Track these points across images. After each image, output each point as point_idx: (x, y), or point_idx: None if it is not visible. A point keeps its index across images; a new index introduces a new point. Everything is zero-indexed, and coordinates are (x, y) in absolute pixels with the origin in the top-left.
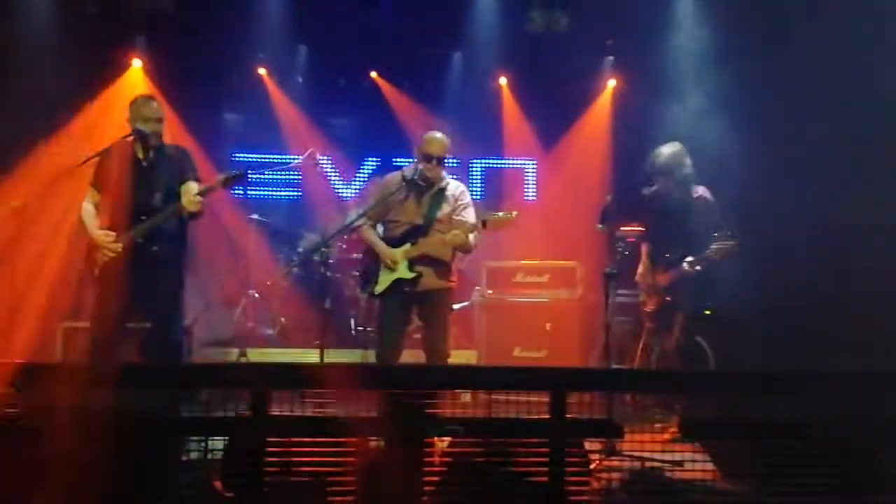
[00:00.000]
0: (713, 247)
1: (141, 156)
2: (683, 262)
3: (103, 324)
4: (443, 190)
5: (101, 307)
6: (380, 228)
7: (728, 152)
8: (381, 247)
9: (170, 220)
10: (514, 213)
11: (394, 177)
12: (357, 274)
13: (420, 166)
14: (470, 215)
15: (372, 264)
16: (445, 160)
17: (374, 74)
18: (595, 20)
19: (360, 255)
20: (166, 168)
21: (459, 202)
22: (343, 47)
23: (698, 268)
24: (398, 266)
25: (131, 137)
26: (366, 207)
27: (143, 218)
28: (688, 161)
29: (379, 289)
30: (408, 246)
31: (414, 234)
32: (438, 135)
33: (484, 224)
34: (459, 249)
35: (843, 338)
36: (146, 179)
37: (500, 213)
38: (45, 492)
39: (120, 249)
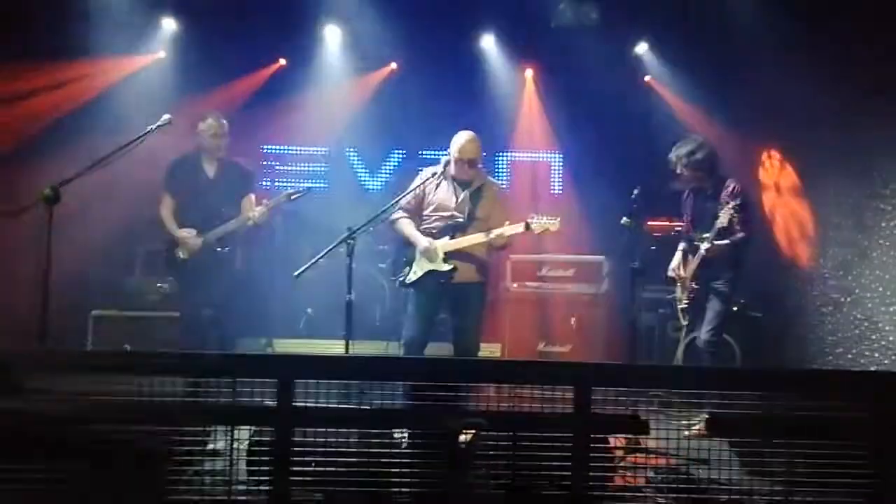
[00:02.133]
0: (720, 242)
1: (207, 168)
2: (701, 247)
3: (190, 308)
4: (481, 188)
5: (186, 294)
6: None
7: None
8: (417, 237)
9: (238, 228)
10: (557, 220)
11: (432, 171)
12: (384, 266)
13: (455, 167)
14: (504, 217)
15: (403, 253)
16: (478, 161)
17: (393, 66)
18: (625, 13)
19: (386, 247)
20: (230, 181)
21: (497, 202)
22: (370, 38)
23: (707, 248)
24: (434, 254)
25: (198, 150)
26: (404, 202)
27: (215, 223)
28: (706, 152)
29: (412, 278)
30: (446, 239)
31: (453, 229)
32: (470, 136)
33: (527, 226)
34: (497, 248)
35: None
36: (213, 190)
37: (545, 219)
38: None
39: (200, 245)
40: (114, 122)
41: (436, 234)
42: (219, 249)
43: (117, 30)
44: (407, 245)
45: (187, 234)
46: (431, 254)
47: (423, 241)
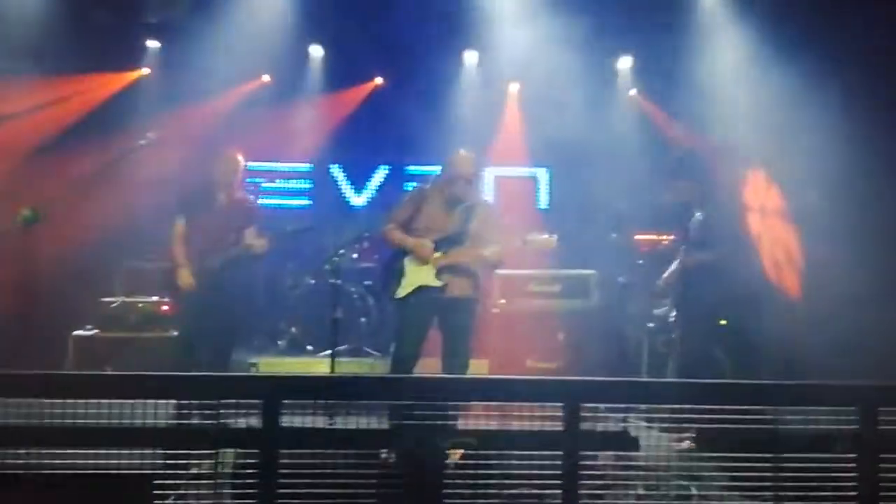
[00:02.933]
0: (702, 255)
1: (220, 198)
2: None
3: (188, 331)
4: (474, 206)
5: (185, 318)
6: None
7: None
8: (414, 241)
9: (240, 256)
10: (555, 237)
11: (424, 188)
12: (369, 284)
13: (451, 184)
14: (498, 235)
15: (394, 266)
16: (474, 178)
17: (379, 80)
18: (611, 28)
19: (372, 264)
20: (238, 213)
21: (490, 221)
22: (354, 54)
23: (686, 259)
24: (422, 272)
25: (212, 179)
26: (398, 216)
27: (219, 253)
28: (702, 166)
29: (402, 293)
30: (439, 254)
31: (446, 243)
32: (467, 153)
33: (525, 244)
34: (489, 265)
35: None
36: (222, 219)
37: (541, 237)
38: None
39: (193, 285)
40: (99, 139)
41: None
42: (226, 274)
43: (102, 47)
44: (401, 254)
45: (187, 276)
46: (428, 256)
47: (416, 242)
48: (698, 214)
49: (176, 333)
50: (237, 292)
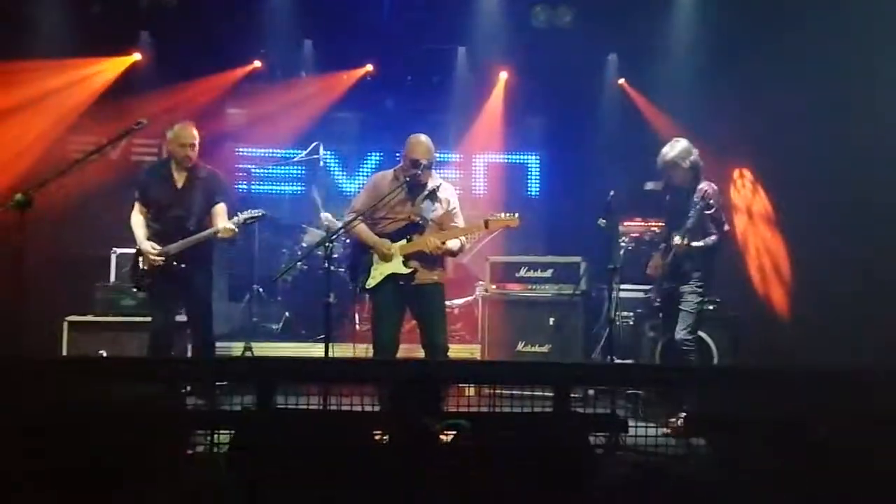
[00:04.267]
0: (695, 243)
1: (176, 178)
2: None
3: (157, 319)
4: (435, 191)
5: (153, 305)
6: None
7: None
8: (375, 239)
9: (198, 240)
10: (517, 215)
11: (385, 175)
12: (343, 270)
13: (408, 170)
14: (460, 220)
15: (360, 258)
16: (431, 163)
17: (370, 67)
18: (600, 15)
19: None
20: (199, 190)
21: (452, 206)
22: (346, 41)
23: (678, 245)
24: (392, 257)
25: (168, 158)
26: (359, 205)
27: (179, 237)
28: (694, 155)
29: (371, 283)
30: (403, 242)
31: (409, 231)
32: (422, 138)
33: (486, 224)
34: (449, 253)
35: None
36: (180, 201)
37: (503, 215)
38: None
39: (161, 261)
40: (91, 125)
41: (391, 237)
42: (175, 264)
43: (93, 33)
44: (364, 250)
45: (150, 248)
46: (389, 252)
47: (379, 241)
48: (698, 205)
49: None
50: (200, 280)
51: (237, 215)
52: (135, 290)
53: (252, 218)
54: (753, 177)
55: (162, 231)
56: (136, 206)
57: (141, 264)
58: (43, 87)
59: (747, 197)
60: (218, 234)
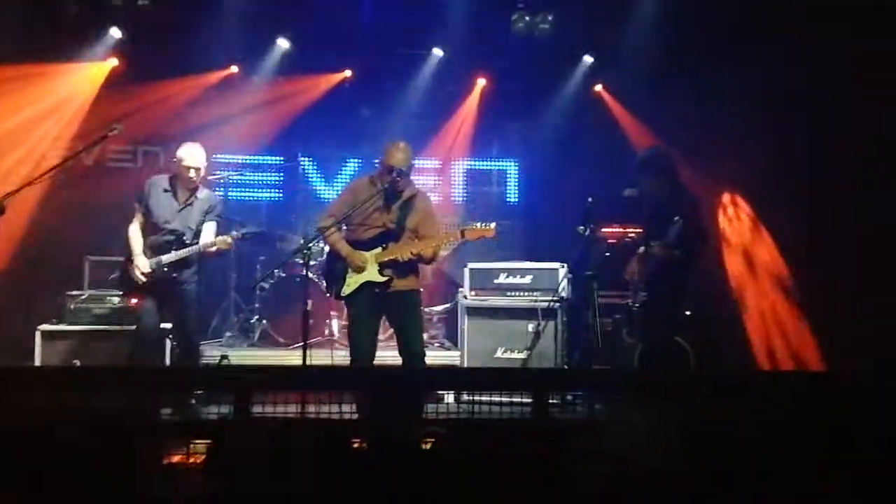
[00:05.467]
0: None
1: (179, 195)
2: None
3: (147, 325)
4: (411, 199)
5: (142, 312)
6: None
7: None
8: (349, 250)
9: (191, 254)
10: (493, 224)
11: (362, 181)
12: (317, 276)
13: (385, 177)
14: (436, 229)
15: (336, 265)
16: (408, 170)
17: (348, 73)
18: (578, 23)
19: (322, 259)
20: (197, 209)
21: (428, 214)
22: (324, 45)
23: (658, 254)
24: (366, 269)
25: (175, 175)
26: (335, 211)
27: (174, 249)
28: (670, 161)
29: (346, 290)
30: (378, 250)
31: (385, 239)
32: (401, 145)
33: (462, 234)
34: (425, 261)
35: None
36: (181, 217)
37: (479, 225)
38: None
39: (149, 278)
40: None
41: (366, 244)
42: (165, 270)
43: (68, 35)
44: (339, 257)
45: (143, 264)
46: (363, 264)
47: (352, 253)
48: (676, 219)
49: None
50: (189, 288)
51: (235, 230)
52: (122, 295)
53: (251, 233)
54: (752, 210)
55: (158, 244)
56: (137, 216)
57: (132, 274)
58: (19, 93)
59: (744, 235)
60: (214, 248)
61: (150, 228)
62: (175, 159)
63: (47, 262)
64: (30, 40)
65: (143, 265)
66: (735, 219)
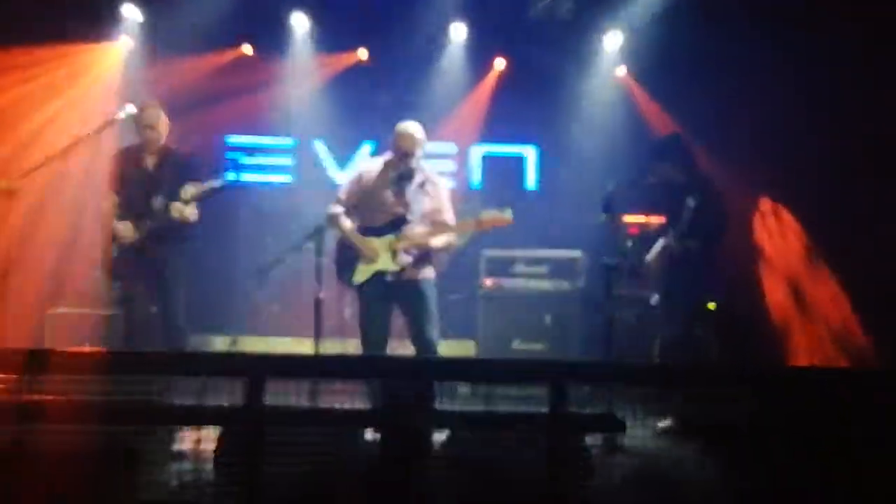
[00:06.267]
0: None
1: (148, 160)
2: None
3: (128, 307)
4: (424, 183)
5: (130, 296)
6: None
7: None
8: (359, 238)
9: (164, 222)
10: (509, 211)
11: (372, 165)
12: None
13: (398, 160)
14: (450, 214)
15: (347, 253)
16: (420, 153)
17: (364, 53)
18: (600, 6)
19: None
20: (169, 173)
21: (441, 199)
22: (338, 25)
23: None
24: (378, 257)
25: (139, 142)
26: (344, 196)
27: (145, 220)
28: (687, 147)
29: (358, 278)
30: (391, 237)
31: (398, 225)
32: (412, 128)
33: (479, 223)
34: (444, 250)
35: None
36: (149, 183)
37: (495, 212)
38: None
39: (133, 238)
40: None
41: (378, 231)
42: (148, 244)
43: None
44: (349, 245)
45: (122, 227)
46: (374, 254)
47: (363, 241)
48: (689, 201)
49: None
50: (171, 264)
51: (187, 191)
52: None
53: (206, 192)
54: (802, 230)
55: (132, 216)
56: (109, 201)
57: (115, 252)
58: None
59: (790, 260)
60: (175, 214)
61: (121, 202)
62: (135, 124)
63: (55, 245)
64: (41, 20)
65: (122, 228)
66: (778, 235)
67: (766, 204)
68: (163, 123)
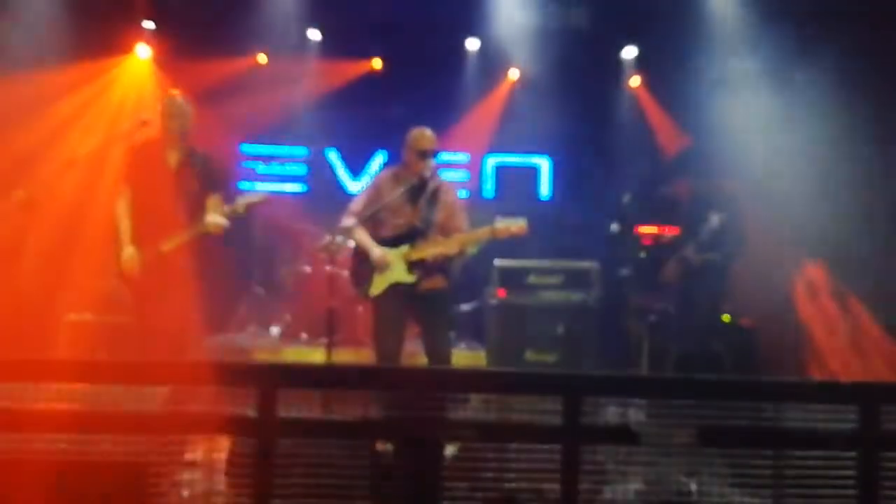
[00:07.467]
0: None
1: (170, 157)
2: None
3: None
4: (437, 192)
5: (138, 307)
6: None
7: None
8: (375, 250)
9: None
10: (524, 221)
11: (386, 176)
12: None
13: (416, 164)
14: (464, 223)
15: (362, 264)
16: (433, 160)
17: (378, 64)
18: (615, 16)
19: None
20: (194, 174)
21: (455, 208)
22: (353, 35)
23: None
24: (392, 269)
25: (162, 136)
26: (358, 207)
27: (168, 231)
28: (701, 158)
29: (374, 290)
30: (406, 248)
31: (412, 236)
32: (427, 130)
33: (492, 232)
34: (453, 259)
35: None
36: (172, 189)
37: (510, 221)
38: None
39: (134, 268)
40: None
41: (393, 242)
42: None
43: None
44: (364, 256)
45: (130, 257)
46: (388, 266)
47: (378, 253)
48: (714, 215)
49: None
50: (193, 279)
51: (235, 201)
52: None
53: (252, 203)
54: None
55: (151, 221)
56: (122, 199)
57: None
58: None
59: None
60: (204, 230)
61: (137, 207)
62: (159, 114)
63: (74, 252)
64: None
65: (127, 258)
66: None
67: (811, 268)
68: (189, 115)
